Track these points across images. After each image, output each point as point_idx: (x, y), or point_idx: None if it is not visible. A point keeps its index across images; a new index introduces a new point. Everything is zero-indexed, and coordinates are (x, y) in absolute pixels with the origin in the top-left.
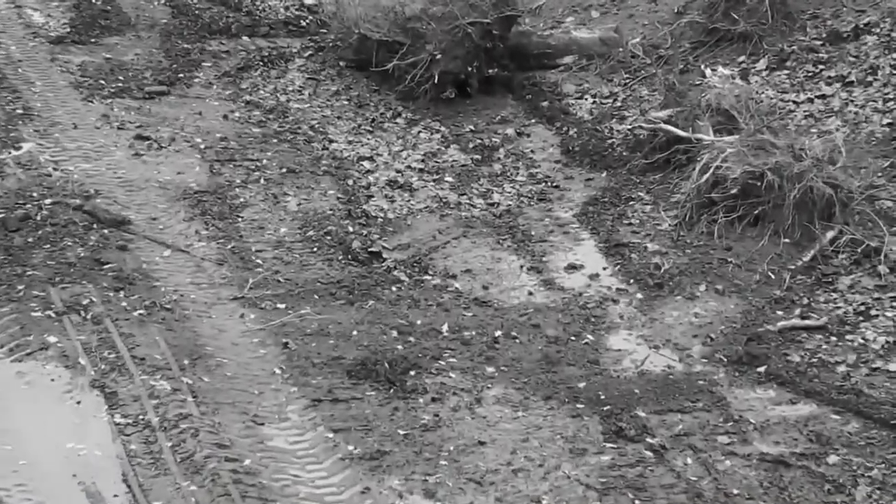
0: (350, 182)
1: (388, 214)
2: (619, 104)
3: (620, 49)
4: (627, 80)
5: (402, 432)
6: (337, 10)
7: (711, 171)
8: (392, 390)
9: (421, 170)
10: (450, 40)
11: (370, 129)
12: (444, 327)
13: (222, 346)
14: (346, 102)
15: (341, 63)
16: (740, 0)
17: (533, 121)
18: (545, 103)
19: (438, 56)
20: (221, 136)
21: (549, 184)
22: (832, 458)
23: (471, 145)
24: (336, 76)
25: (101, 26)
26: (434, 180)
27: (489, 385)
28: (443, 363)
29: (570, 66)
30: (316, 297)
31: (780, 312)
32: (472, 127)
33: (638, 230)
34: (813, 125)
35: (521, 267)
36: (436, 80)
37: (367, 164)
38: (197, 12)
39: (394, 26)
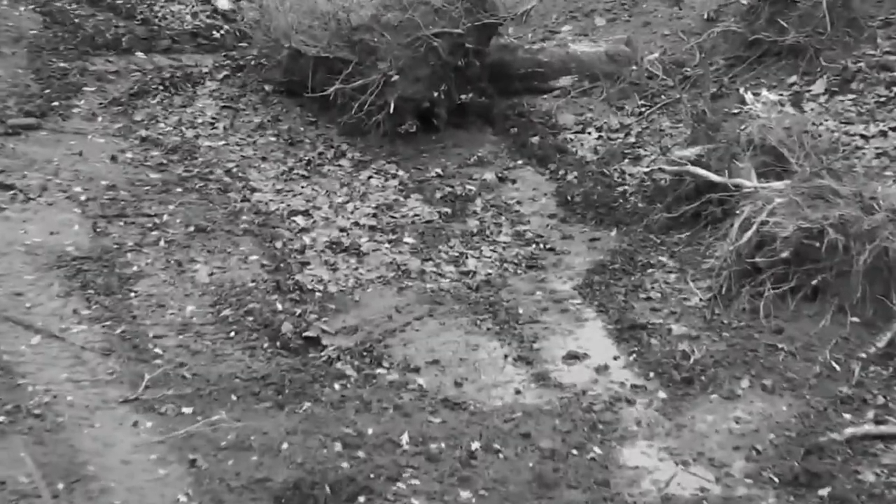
0: (279, 244)
1: (328, 287)
2: (632, 140)
3: (634, 67)
4: (643, 109)
5: None
6: (261, 17)
7: (755, 227)
8: None
9: (372, 227)
10: (409, 57)
11: (305, 173)
12: (405, 438)
13: (109, 465)
14: (273, 139)
15: (267, 87)
16: (790, 3)
17: (519, 162)
18: (535, 139)
19: (394, 77)
20: (108, 183)
21: (542, 245)
22: None
23: (438, 195)
24: (260, 104)
25: None
26: (390, 241)
27: None
28: (402, 486)
29: (567, 91)
30: (234, 398)
31: (847, 416)
32: (439, 171)
33: (659, 307)
34: (887, 166)
35: (506, 357)
36: (391, 110)
37: (300, 221)
38: (76, 21)
39: (336, 39)
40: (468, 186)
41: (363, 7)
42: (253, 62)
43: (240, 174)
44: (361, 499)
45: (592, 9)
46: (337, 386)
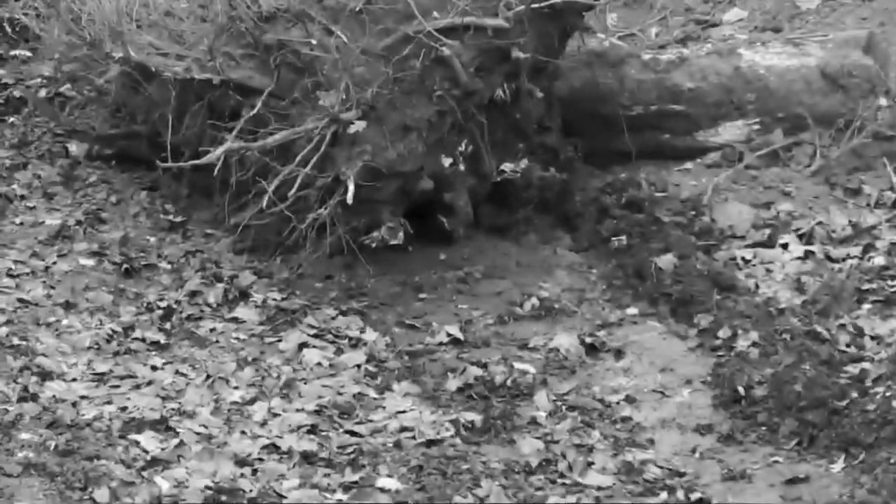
0: (102, 498)
1: None
2: (879, 260)
3: (882, 102)
4: None
5: None
6: (59, 14)
7: None
8: None
9: (309, 458)
10: (389, 81)
11: (160, 337)
12: None
13: None
14: (88, 261)
15: (73, 146)
16: None
17: (632, 310)
18: (666, 259)
19: (356, 126)
20: None
21: (686, 497)
22: None
23: (452, 384)
24: (59, 183)
25: None
26: (346, 490)
27: None
28: None
29: (736, 153)
30: None
31: None
32: (454, 329)
33: None
34: None
35: None
36: (348, 197)
37: (149, 444)
38: None
39: (228, 43)
40: (519, 366)
41: None
42: (45, 91)
43: (15, 340)
44: None
45: None
46: None
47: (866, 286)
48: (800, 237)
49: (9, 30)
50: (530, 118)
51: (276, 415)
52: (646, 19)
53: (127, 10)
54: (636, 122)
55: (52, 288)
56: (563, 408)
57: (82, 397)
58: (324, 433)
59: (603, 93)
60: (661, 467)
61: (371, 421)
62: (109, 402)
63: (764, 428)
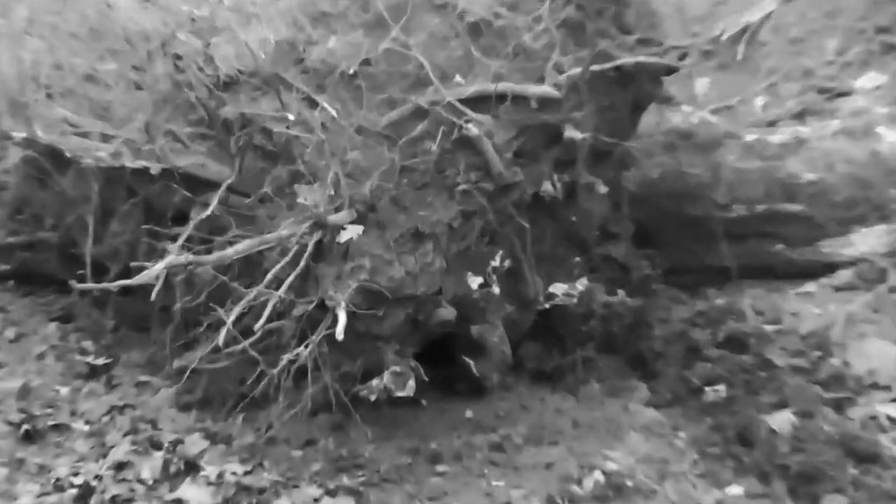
0: None
1: None
2: None
3: None
4: None
5: None
6: None
7: None
8: None
9: None
10: (392, 172)
11: None
12: None
13: None
14: None
15: None
16: None
17: (733, 489)
18: (781, 421)
19: (352, 233)
20: None
21: None
22: None
23: None
24: None
25: None
26: None
27: None
28: None
29: (872, 271)
30: None
31: None
32: None
33: None
34: None
35: None
36: (339, 328)
37: None
38: None
39: (175, 121)
40: None
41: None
42: None
43: None
44: None
45: None
46: None
47: None
48: None
49: None
50: (590, 222)
51: None
52: (749, 86)
53: (33, 73)
54: (737, 227)
55: None
56: None
57: None
58: None
59: (691, 187)
60: None
61: None
62: None
63: None
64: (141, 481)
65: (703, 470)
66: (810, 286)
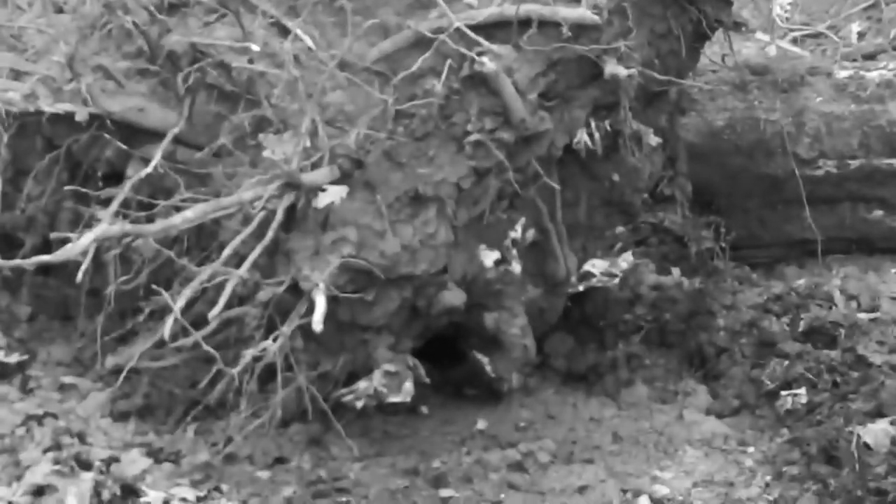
0: None
1: None
2: None
3: None
4: None
5: None
6: None
7: None
8: None
9: None
10: (385, 118)
11: None
12: None
13: None
14: None
15: None
16: None
17: None
18: (885, 433)
19: (333, 196)
20: None
21: None
22: None
23: None
24: None
25: None
26: None
27: None
28: None
29: None
30: None
31: None
32: None
33: None
34: None
35: None
36: (317, 316)
37: None
38: None
39: (107, 54)
40: None
41: None
42: None
43: None
44: None
45: None
46: None
47: None
48: None
49: None
50: (638, 182)
51: None
52: (842, 8)
53: None
54: (825, 188)
55: None
56: None
57: None
58: None
59: (766, 138)
60: None
61: None
62: None
63: None
64: None
65: (778, 495)
66: None
